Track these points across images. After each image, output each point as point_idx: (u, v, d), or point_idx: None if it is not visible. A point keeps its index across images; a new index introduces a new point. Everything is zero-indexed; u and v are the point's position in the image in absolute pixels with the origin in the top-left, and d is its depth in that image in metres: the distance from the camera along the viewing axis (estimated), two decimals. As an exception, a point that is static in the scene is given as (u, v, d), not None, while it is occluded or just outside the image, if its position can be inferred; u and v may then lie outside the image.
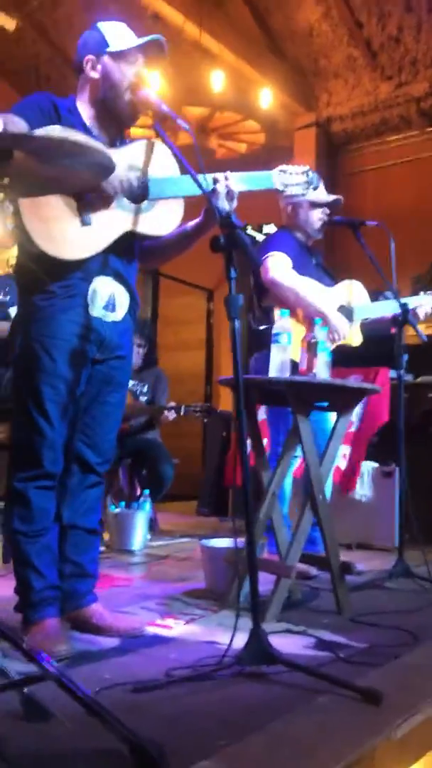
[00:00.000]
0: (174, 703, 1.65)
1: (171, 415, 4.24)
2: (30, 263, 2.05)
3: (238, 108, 5.86)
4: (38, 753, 1.30)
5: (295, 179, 2.29)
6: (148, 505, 4.00)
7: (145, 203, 2.14)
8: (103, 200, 2.05)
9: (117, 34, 2.17)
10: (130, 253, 2.21)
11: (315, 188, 2.34)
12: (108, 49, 2.14)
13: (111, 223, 2.09)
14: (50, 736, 1.42)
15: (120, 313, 2.17)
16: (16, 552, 2.09)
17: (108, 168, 1.47)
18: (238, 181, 2.17)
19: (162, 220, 2.17)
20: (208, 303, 7.95)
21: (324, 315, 3.01)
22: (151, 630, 2.26)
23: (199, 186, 2.02)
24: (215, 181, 2.16)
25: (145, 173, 2.14)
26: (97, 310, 2.11)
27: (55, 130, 1.94)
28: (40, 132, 1.83)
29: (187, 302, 7.89)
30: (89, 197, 2.01)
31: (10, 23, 5.81)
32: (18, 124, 1.88)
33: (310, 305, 3.04)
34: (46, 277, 2.05)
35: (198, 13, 5.44)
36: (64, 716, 1.46)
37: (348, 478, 4.04)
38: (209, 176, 2.16)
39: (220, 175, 2.16)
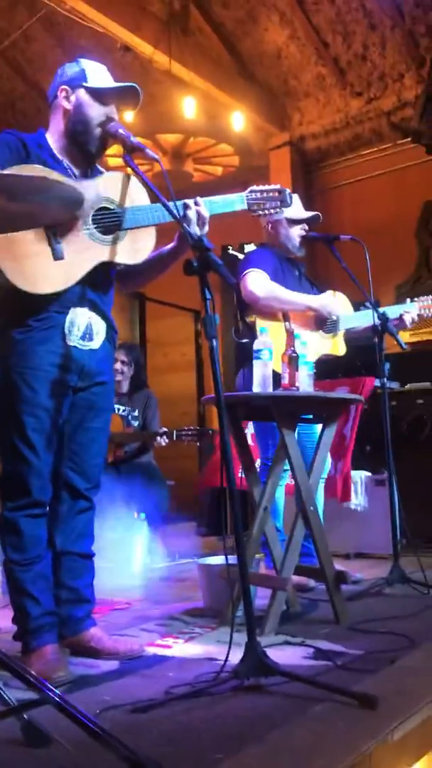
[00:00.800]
0: (172, 720, 1.67)
1: (163, 441, 4.26)
2: (5, 299, 2.09)
3: (212, 132, 5.96)
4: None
5: (268, 198, 2.34)
6: (145, 529, 4.01)
7: (116, 233, 2.18)
8: (68, 225, 2.08)
9: (97, 73, 2.23)
10: (105, 282, 2.25)
11: (288, 206, 2.39)
12: (85, 83, 2.20)
13: (85, 254, 2.13)
14: (52, 760, 1.44)
15: (97, 341, 2.21)
16: (11, 581, 2.11)
17: (77, 201, 1.52)
18: (208, 206, 2.23)
19: (135, 248, 2.21)
20: (195, 324, 8.01)
21: (310, 306, 3.10)
22: (151, 650, 2.28)
23: (171, 213, 2.07)
24: (186, 207, 2.21)
25: (119, 204, 2.19)
26: (74, 340, 2.15)
27: (24, 170, 1.99)
28: (9, 171, 1.89)
29: (174, 324, 7.94)
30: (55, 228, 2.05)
31: (-17, 62, 5.90)
32: None
33: (294, 303, 3.13)
34: (22, 312, 2.09)
35: (167, 42, 5.55)
36: (64, 740, 1.49)
37: (343, 490, 4.07)
38: (180, 203, 2.21)
39: (190, 201, 2.22)
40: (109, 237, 2.17)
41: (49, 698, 1.38)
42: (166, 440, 4.29)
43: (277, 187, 2.39)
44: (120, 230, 2.18)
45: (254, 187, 2.37)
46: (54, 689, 1.45)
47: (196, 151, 6.03)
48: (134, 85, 2.22)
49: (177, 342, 8.01)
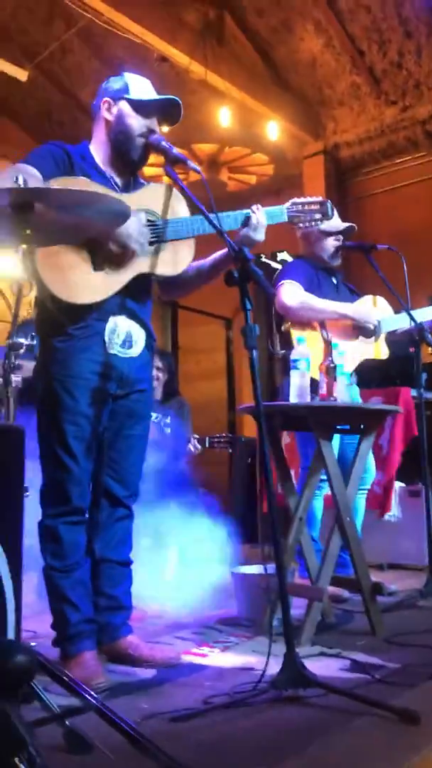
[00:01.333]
0: (212, 730, 1.67)
1: (196, 448, 4.28)
2: (47, 308, 2.13)
3: (246, 141, 5.98)
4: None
5: (310, 211, 2.36)
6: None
7: (156, 246, 2.22)
8: (118, 258, 2.13)
9: (140, 85, 2.27)
10: (144, 291, 2.28)
11: (330, 218, 2.41)
12: (127, 96, 2.24)
13: (125, 266, 2.16)
14: (94, 767, 1.46)
15: (137, 349, 2.24)
16: (51, 587, 2.14)
17: (123, 215, 1.54)
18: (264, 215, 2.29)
19: (175, 260, 2.24)
20: (227, 331, 8.03)
21: (345, 315, 3.10)
22: (187, 659, 2.29)
23: (213, 225, 2.08)
24: (248, 217, 2.26)
25: (161, 215, 2.22)
26: (114, 348, 2.18)
27: (69, 182, 2.03)
28: (55, 183, 1.92)
29: (206, 331, 7.97)
30: (103, 250, 2.09)
31: (21, 74, 5.99)
32: (34, 176, 1.97)
33: (328, 311, 3.12)
34: (63, 321, 2.12)
35: (202, 52, 5.58)
36: (105, 747, 1.50)
37: (383, 502, 4.04)
38: (243, 212, 2.27)
39: (254, 207, 2.27)
40: (150, 248, 2.20)
41: (92, 705, 1.40)
42: (198, 447, 4.30)
43: (319, 199, 2.41)
44: (161, 242, 2.21)
45: (296, 200, 2.39)
46: (95, 696, 1.46)
47: (230, 161, 6.06)
48: (175, 98, 2.25)
49: (209, 350, 8.04)
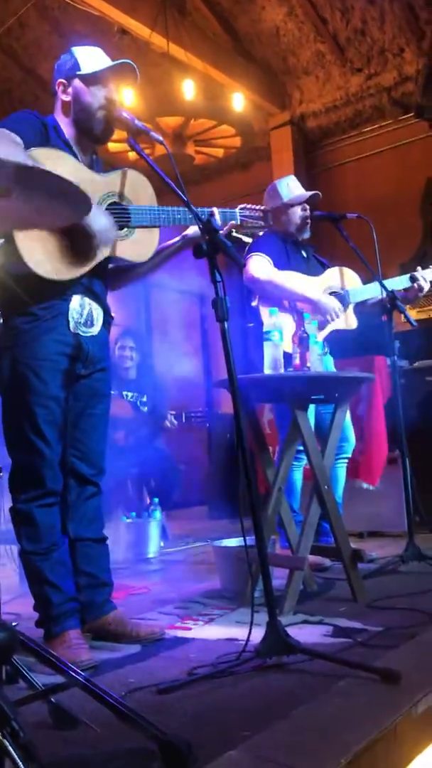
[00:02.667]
0: (197, 700, 1.68)
1: (172, 424, 4.28)
2: (10, 287, 2.09)
3: (212, 114, 5.91)
4: (70, 758, 1.34)
5: (256, 216, 2.40)
6: (158, 513, 4.03)
7: (125, 230, 2.22)
8: (89, 252, 2.12)
9: (89, 57, 2.22)
10: (103, 271, 2.26)
11: (269, 224, 2.45)
12: (78, 72, 2.19)
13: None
14: (80, 741, 1.46)
15: (96, 327, 2.23)
16: (30, 571, 2.13)
17: (85, 206, 1.51)
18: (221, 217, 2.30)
19: (141, 246, 2.25)
20: (200, 308, 7.99)
21: (309, 299, 3.10)
22: (171, 633, 2.30)
23: (191, 209, 2.06)
24: (211, 215, 2.26)
25: (130, 201, 2.22)
26: (77, 327, 2.16)
27: (52, 153, 2.03)
28: (37, 153, 1.91)
29: (179, 309, 7.93)
30: (77, 240, 2.08)
31: (-21, 51, 5.86)
32: (14, 142, 1.93)
33: (293, 293, 3.12)
34: (26, 300, 2.10)
35: (164, 23, 5.49)
36: (92, 722, 1.50)
37: (369, 471, 4.05)
38: (205, 210, 2.28)
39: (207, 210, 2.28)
40: (119, 232, 2.19)
41: (77, 681, 1.40)
42: (175, 422, 4.31)
43: (262, 207, 2.45)
44: (129, 227, 2.21)
45: (244, 205, 2.42)
46: (80, 672, 1.47)
47: (197, 134, 5.99)
48: (126, 61, 2.21)
49: (182, 327, 8.00)
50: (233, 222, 2.33)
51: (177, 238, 2.35)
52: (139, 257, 2.26)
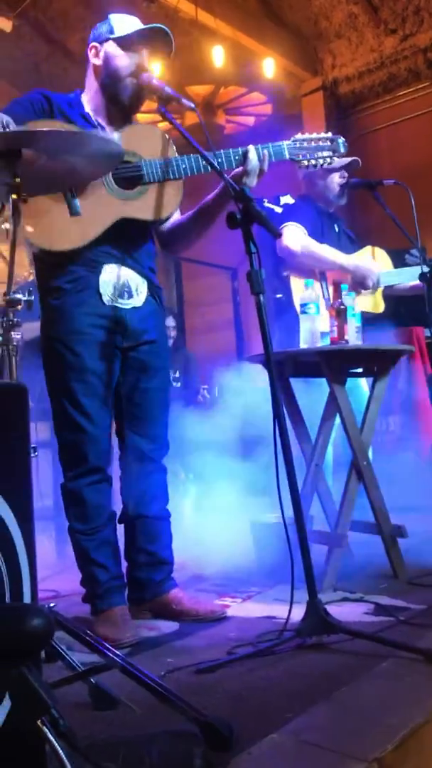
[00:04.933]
0: (238, 680, 1.66)
1: (204, 398, 4.26)
2: (39, 265, 2.07)
3: (242, 81, 5.79)
4: (110, 740, 1.32)
5: (315, 147, 2.24)
6: (193, 488, 4.02)
7: (138, 188, 2.12)
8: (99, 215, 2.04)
9: (124, 23, 2.16)
10: (139, 238, 2.18)
11: (341, 155, 2.29)
12: (112, 36, 2.14)
13: (103, 210, 2.07)
14: (120, 722, 1.45)
15: (139, 298, 2.17)
16: (77, 549, 2.13)
17: (117, 153, 1.46)
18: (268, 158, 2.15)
19: (158, 204, 2.14)
20: (232, 282, 7.91)
21: (346, 268, 3.00)
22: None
23: (211, 164, 1.99)
24: (246, 154, 2.11)
25: (142, 156, 2.13)
26: (110, 299, 2.11)
27: (43, 124, 1.96)
28: (40, 126, 1.85)
29: (211, 283, 7.85)
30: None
31: (6, 24, 5.79)
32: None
33: (329, 261, 3.02)
34: (52, 276, 2.07)
35: (192, -11, 5.35)
36: (131, 702, 1.49)
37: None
38: (238, 150, 2.13)
39: (251, 147, 2.12)
40: (132, 192, 2.11)
41: (115, 662, 1.38)
42: (207, 396, 4.29)
43: (328, 135, 2.30)
44: (142, 184, 2.12)
45: (299, 136, 2.27)
46: (118, 653, 1.45)
47: (227, 102, 5.87)
48: (159, 26, 2.14)
49: (214, 302, 7.93)
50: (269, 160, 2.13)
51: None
52: (156, 215, 2.14)
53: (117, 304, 2.12)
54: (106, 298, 2.10)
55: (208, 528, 4.08)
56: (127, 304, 2.14)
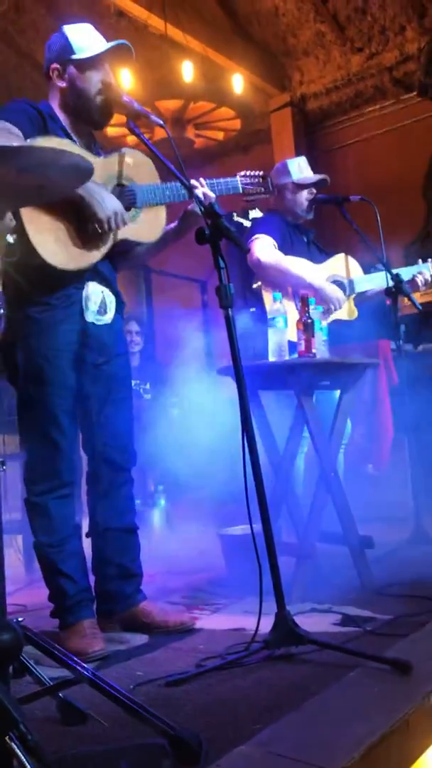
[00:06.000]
0: (206, 693, 1.67)
1: (175, 411, 4.26)
2: (23, 276, 2.05)
3: (212, 96, 5.83)
4: (78, 754, 1.32)
5: (254, 182, 2.40)
6: (162, 500, 4.02)
7: (133, 210, 2.19)
8: (102, 237, 2.11)
9: (82, 38, 2.16)
10: (113, 258, 2.24)
11: (270, 193, 2.43)
12: (73, 57, 2.13)
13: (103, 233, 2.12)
14: (89, 736, 1.45)
15: (110, 315, 2.20)
16: (45, 563, 2.12)
17: (87, 171, 1.47)
18: (209, 188, 2.30)
19: (151, 225, 2.24)
20: (201, 294, 7.94)
21: (313, 287, 3.03)
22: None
23: (183, 183, 2.05)
24: (192, 187, 2.21)
25: (133, 181, 2.19)
26: (91, 315, 2.14)
27: (48, 142, 2.01)
28: (38, 144, 1.88)
29: (180, 295, 7.88)
30: (86, 222, 2.07)
31: (-26, 35, 5.78)
32: (14, 134, 1.90)
33: (299, 279, 3.05)
34: (39, 289, 2.07)
35: (161, 5, 5.39)
36: (100, 716, 1.49)
37: (376, 456, 4.02)
38: (191, 181, 2.24)
39: (195, 182, 2.27)
40: (128, 214, 2.16)
41: (84, 676, 1.38)
42: (178, 410, 4.29)
43: (261, 173, 2.44)
44: (135, 207, 2.19)
45: (244, 172, 2.42)
46: (87, 667, 1.45)
47: (196, 117, 5.91)
48: (120, 42, 2.16)
49: (184, 314, 7.95)
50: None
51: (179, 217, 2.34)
52: (149, 237, 2.25)
53: (94, 320, 2.15)
54: (87, 315, 2.13)
55: (176, 540, 4.09)
56: (101, 320, 2.17)
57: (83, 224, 2.06)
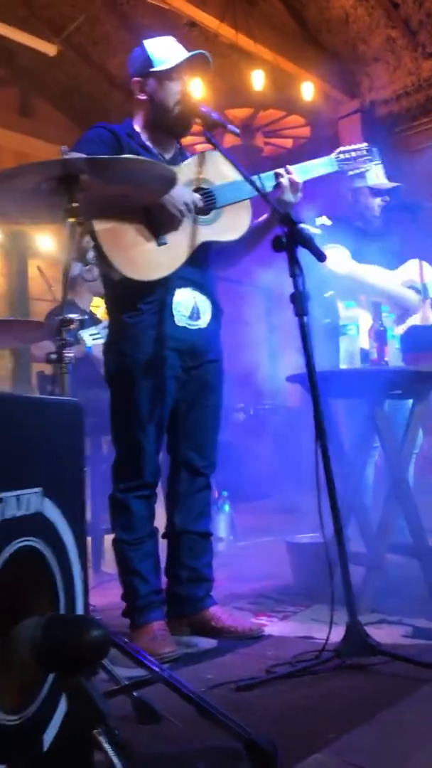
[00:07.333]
0: (278, 699, 1.67)
1: (240, 416, 4.28)
2: (115, 284, 2.13)
3: (281, 104, 5.85)
4: (154, 754, 1.34)
5: (357, 157, 2.32)
6: (227, 507, 4.04)
7: (213, 212, 2.21)
8: (173, 224, 2.12)
9: (162, 50, 2.21)
10: (205, 262, 2.26)
11: (377, 161, 2.37)
12: (153, 69, 2.19)
13: (185, 238, 2.16)
14: (163, 736, 1.47)
15: (204, 320, 2.23)
16: (121, 560, 2.17)
17: (171, 179, 1.50)
18: (300, 172, 2.25)
19: (233, 225, 2.23)
20: (266, 301, 7.94)
21: (388, 293, 3.00)
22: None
23: (254, 186, 2.05)
24: (277, 176, 2.20)
25: (212, 182, 2.21)
26: (182, 321, 2.18)
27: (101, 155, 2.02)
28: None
29: (246, 302, 7.90)
30: (159, 221, 2.08)
31: (50, 48, 5.94)
32: None
33: (372, 287, 3.03)
34: (131, 297, 2.14)
35: (232, 14, 5.45)
36: (172, 716, 1.51)
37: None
38: (270, 173, 2.21)
39: (281, 170, 2.23)
40: (208, 216, 2.19)
41: (161, 677, 1.40)
42: (243, 415, 4.31)
43: (364, 145, 2.40)
44: (216, 208, 2.20)
45: (342, 148, 2.37)
46: (164, 667, 1.47)
47: (265, 124, 5.94)
48: (200, 52, 2.20)
49: (249, 320, 7.97)
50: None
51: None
52: (232, 236, 2.23)
53: (186, 325, 2.18)
54: (177, 320, 2.16)
55: (241, 546, 4.10)
56: (194, 325, 2.20)
57: (158, 233, 2.09)
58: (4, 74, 6.97)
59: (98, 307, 3.90)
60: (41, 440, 1.13)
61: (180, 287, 2.17)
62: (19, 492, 1.04)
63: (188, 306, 2.19)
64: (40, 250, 6.48)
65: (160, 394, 2.15)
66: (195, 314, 2.20)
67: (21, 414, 1.10)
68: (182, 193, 2.09)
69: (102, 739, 0.93)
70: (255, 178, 2.11)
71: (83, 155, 1.92)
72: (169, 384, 2.17)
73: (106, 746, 0.93)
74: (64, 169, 1.41)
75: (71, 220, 1.45)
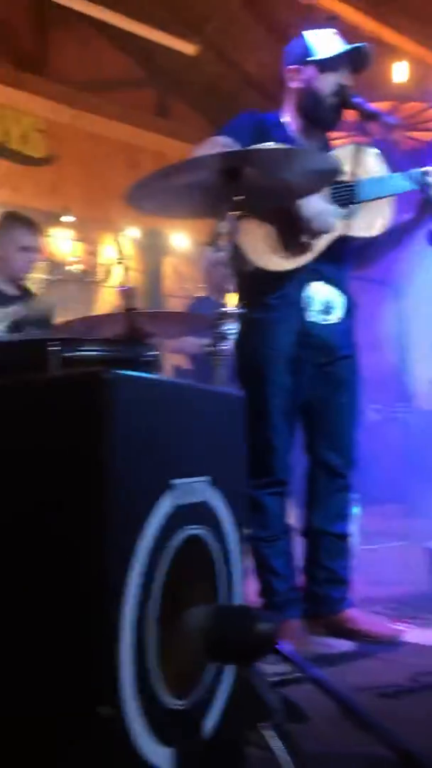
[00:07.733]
0: (425, 709, 1.61)
1: (375, 417, 4.19)
2: (245, 279, 2.11)
3: (423, 96, 5.67)
4: (307, 753, 1.32)
5: None
6: (357, 509, 3.95)
7: (353, 206, 2.14)
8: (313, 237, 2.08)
9: (322, 41, 2.18)
10: (341, 257, 2.21)
11: None
12: (311, 58, 2.15)
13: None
14: (311, 737, 1.44)
15: (336, 315, 2.18)
16: (257, 558, 2.15)
17: (334, 170, 1.48)
18: None
19: (372, 221, 2.17)
20: (396, 299, 7.72)
21: None
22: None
23: (412, 182, 1.99)
24: (426, 174, 2.13)
25: (354, 175, 2.13)
26: (313, 315, 2.14)
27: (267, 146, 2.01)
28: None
29: (373, 300, 7.71)
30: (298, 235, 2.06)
31: (190, 48, 6.04)
32: (232, 147, 1.96)
33: None
34: (260, 291, 2.12)
35: (374, 6, 5.32)
36: (316, 717, 1.48)
37: None
38: (419, 170, 2.14)
39: (430, 168, 2.15)
40: (345, 210, 2.13)
41: (312, 676, 1.38)
42: (377, 415, 4.21)
43: None
44: (355, 202, 2.13)
45: None
46: (315, 668, 1.45)
47: (407, 117, 5.77)
48: (362, 44, 2.14)
49: (377, 319, 7.78)
50: None
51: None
52: (369, 231, 2.17)
53: (318, 321, 2.15)
54: (308, 315, 2.13)
55: (373, 549, 4.00)
56: (326, 320, 2.16)
57: (291, 227, 2.06)
58: (142, 75, 7.15)
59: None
60: (208, 429, 1.15)
61: (312, 281, 2.13)
62: (190, 480, 1.05)
63: (320, 301, 2.14)
64: (175, 247, 6.63)
65: (290, 390, 2.12)
66: (327, 309, 2.15)
67: (191, 403, 1.11)
68: (318, 206, 2.05)
69: (268, 733, 0.93)
70: (404, 174, 2.06)
71: (230, 147, 1.94)
72: (300, 380, 2.13)
73: (273, 741, 0.92)
74: (228, 162, 1.41)
75: (235, 213, 1.45)
